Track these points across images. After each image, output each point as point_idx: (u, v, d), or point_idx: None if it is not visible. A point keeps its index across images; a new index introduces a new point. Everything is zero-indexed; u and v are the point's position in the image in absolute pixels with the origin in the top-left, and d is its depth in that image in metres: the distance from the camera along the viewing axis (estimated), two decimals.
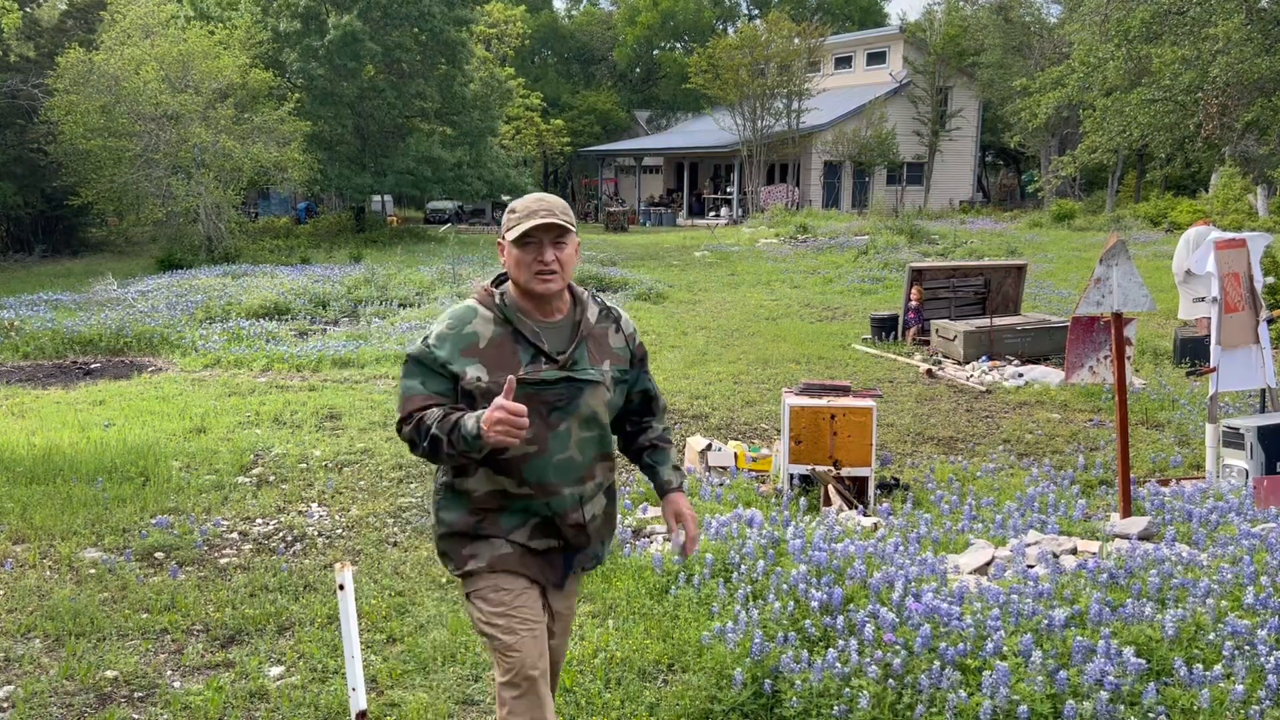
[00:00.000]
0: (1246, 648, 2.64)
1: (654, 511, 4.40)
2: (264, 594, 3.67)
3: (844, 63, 32.58)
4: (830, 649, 2.69)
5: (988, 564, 3.46)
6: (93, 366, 8.51)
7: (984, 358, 8.20)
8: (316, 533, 4.35)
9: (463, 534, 1.99)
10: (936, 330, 8.73)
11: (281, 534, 4.34)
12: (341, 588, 2.05)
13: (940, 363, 8.33)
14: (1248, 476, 4.22)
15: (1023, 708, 2.39)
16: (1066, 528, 3.89)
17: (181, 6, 21.10)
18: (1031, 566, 3.32)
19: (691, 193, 31.86)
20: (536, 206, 1.88)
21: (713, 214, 29.42)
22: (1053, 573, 3.13)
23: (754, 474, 5.00)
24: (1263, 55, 11.27)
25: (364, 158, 22.27)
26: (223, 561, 4.03)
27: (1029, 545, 3.54)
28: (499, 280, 2.00)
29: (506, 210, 1.91)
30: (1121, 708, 2.41)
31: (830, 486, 4.50)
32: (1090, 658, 2.58)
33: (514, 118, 30.14)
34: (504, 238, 1.90)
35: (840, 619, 2.85)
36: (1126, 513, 3.94)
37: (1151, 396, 6.61)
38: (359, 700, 2.06)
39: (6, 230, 19.48)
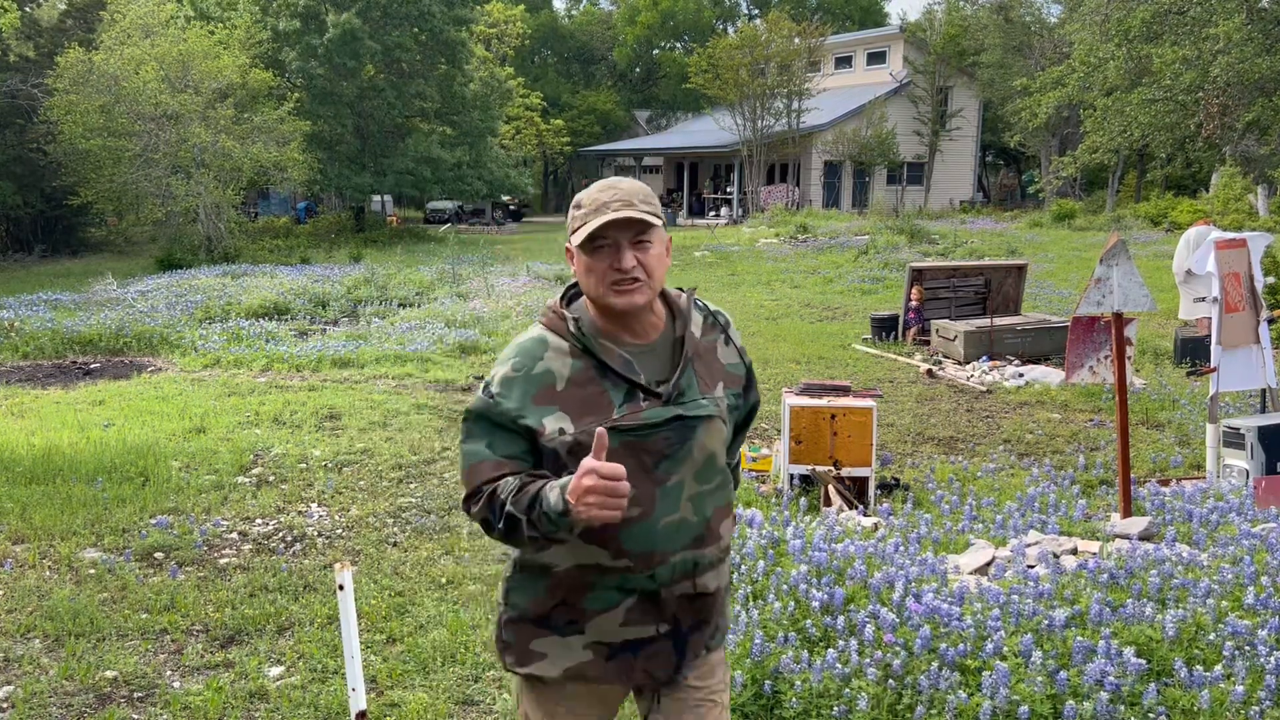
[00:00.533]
0: (1247, 648, 2.63)
1: None
2: (264, 594, 3.67)
3: (844, 62, 32.57)
4: (830, 649, 2.69)
5: (988, 564, 3.45)
6: (92, 366, 8.50)
7: (984, 358, 8.20)
8: (316, 533, 4.35)
9: (534, 621, 1.53)
10: (937, 330, 8.72)
11: (281, 534, 4.34)
12: (341, 588, 2.04)
13: (940, 363, 8.32)
14: (1248, 476, 4.21)
15: (1023, 708, 2.39)
16: (1067, 528, 3.89)
17: (181, 6, 21.10)
18: (1032, 567, 3.31)
19: (691, 193, 31.86)
20: (607, 197, 1.43)
21: (713, 214, 29.42)
22: (1053, 573, 3.12)
23: (754, 474, 4.99)
24: (1263, 55, 11.27)
25: (364, 157, 22.28)
26: (222, 562, 4.03)
27: (1029, 545, 3.54)
28: (571, 296, 1.54)
29: (571, 205, 1.48)
30: (1122, 708, 2.41)
31: (830, 487, 4.50)
32: (1090, 658, 2.57)
33: (514, 117, 30.15)
34: (570, 242, 1.47)
35: (840, 619, 2.84)
36: (1127, 513, 3.94)
37: (1152, 396, 6.61)
38: (359, 700, 2.06)
39: (6, 230, 19.48)
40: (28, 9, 18.36)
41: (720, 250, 18.55)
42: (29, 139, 17.88)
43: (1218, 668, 2.53)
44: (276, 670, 3.11)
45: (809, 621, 2.86)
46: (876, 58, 31.53)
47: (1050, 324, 8.66)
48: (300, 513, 4.60)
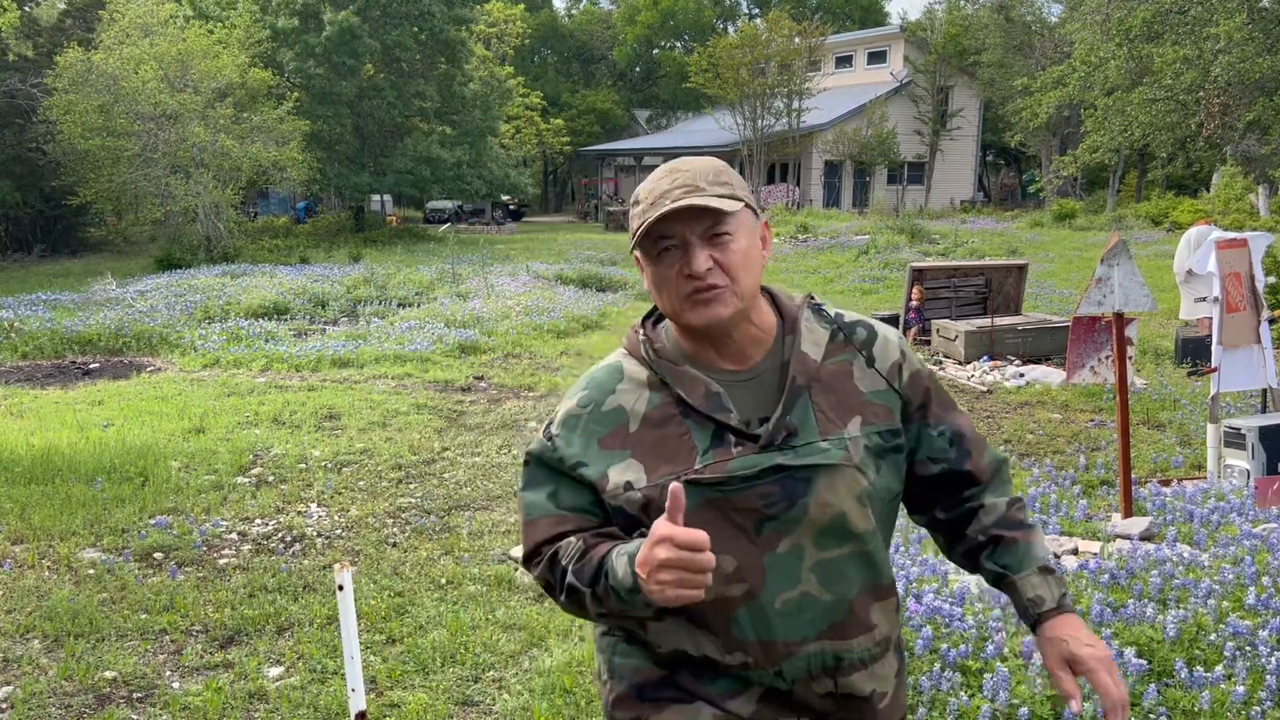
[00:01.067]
0: (1248, 648, 2.63)
1: None
2: (263, 594, 3.66)
3: (844, 62, 32.56)
4: None
5: None
6: (91, 366, 8.50)
7: (985, 357, 8.20)
8: (316, 533, 4.34)
9: (647, 688, 1.20)
10: (937, 330, 8.72)
11: (280, 534, 4.34)
12: (341, 588, 2.04)
13: (941, 363, 8.32)
14: (1249, 477, 4.21)
15: (1023, 710, 2.38)
16: (1068, 528, 3.89)
17: (180, 6, 21.10)
18: None
19: None
20: (667, 184, 1.12)
21: None
22: None
23: None
24: (1264, 55, 11.26)
25: (363, 157, 22.28)
26: (222, 562, 4.02)
27: None
28: (658, 316, 1.24)
29: (630, 201, 1.19)
30: None
31: None
32: None
33: (514, 117, 30.15)
34: (637, 254, 1.17)
35: None
36: (1128, 513, 3.93)
37: (1153, 396, 6.60)
38: (358, 701, 2.06)
39: (5, 230, 19.47)
40: (27, 8, 18.35)
41: None
42: (28, 138, 17.88)
43: (1218, 668, 2.52)
44: (276, 671, 3.11)
45: None
46: (877, 57, 31.53)
47: (1051, 324, 8.66)
48: (300, 513, 4.59)
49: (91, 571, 3.88)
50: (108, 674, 3.09)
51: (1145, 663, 2.54)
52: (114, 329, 9.32)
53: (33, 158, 18.09)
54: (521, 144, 30.91)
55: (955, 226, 20.68)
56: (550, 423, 1.21)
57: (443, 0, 21.96)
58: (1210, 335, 4.52)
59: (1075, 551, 3.53)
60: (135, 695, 2.99)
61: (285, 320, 10.32)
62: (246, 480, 5.07)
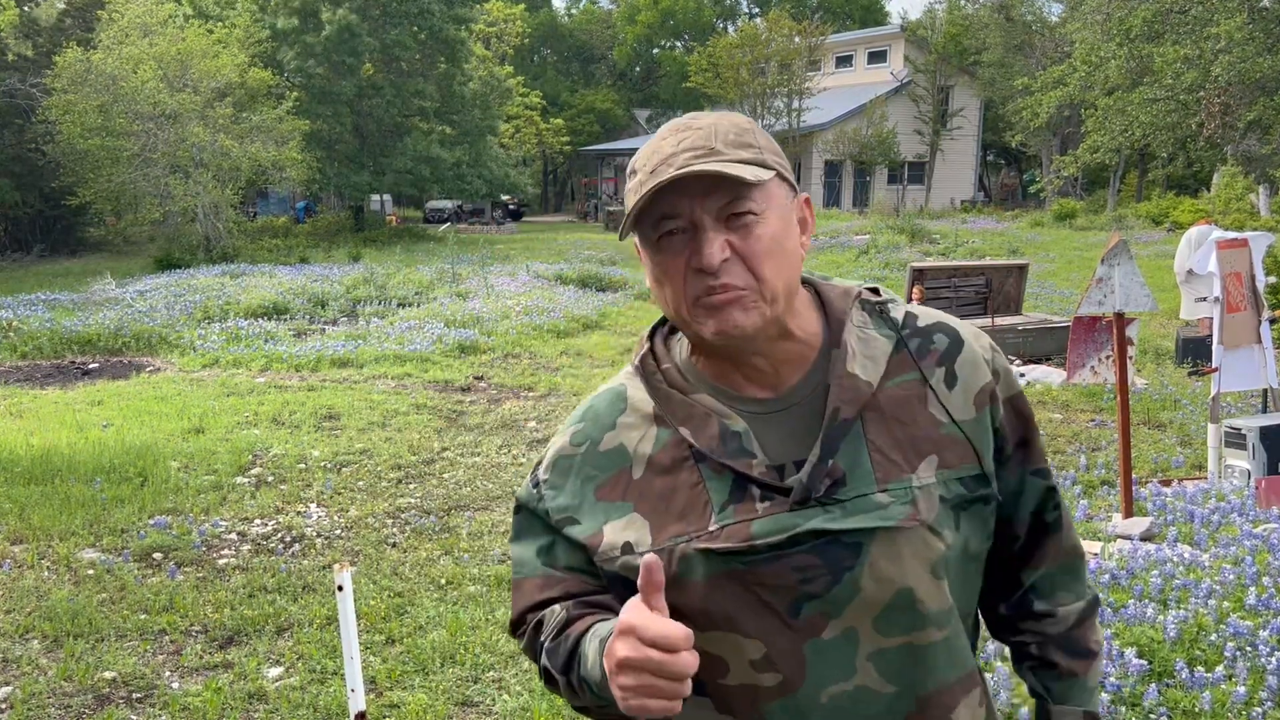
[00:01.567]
0: (1248, 649, 2.63)
1: None
2: (262, 595, 3.66)
3: (845, 61, 32.56)
4: None
5: None
6: (91, 366, 8.49)
7: None
8: (315, 533, 4.34)
9: None
10: None
11: (280, 535, 4.33)
12: (340, 589, 2.04)
13: None
14: (1250, 477, 4.21)
15: (1024, 710, 2.38)
16: None
17: (180, 5, 21.10)
18: None
19: None
20: (672, 145, 0.84)
21: None
22: None
23: None
24: (1265, 54, 11.26)
25: (363, 157, 22.28)
26: (221, 562, 4.02)
27: None
28: (669, 328, 0.97)
29: (627, 171, 0.90)
30: (1123, 709, 2.40)
31: None
32: None
33: (513, 117, 30.14)
34: (633, 237, 0.89)
35: None
36: (1128, 513, 3.93)
37: (1153, 397, 6.60)
38: (358, 701, 2.05)
39: (4, 230, 19.46)
40: (26, 8, 18.35)
41: None
42: (27, 138, 17.87)
43: (1219, 668, 2.52)
44: (275, 671, 3.10)
45: None
46: (877, 57, 31.52)
47: (1051, 324, 8.66)
48: (299, 513, 4.59)
49: (91, 572, 3.88)
50: (107, 674, 3.08)
51: (1146, 663, 2.54)
52: (113, 329, 9.32)
53: (32, 157, 18.09)
54: (521, 144, 30.90)
55: (956, 226, 20.68)
56: (539, 464, 0.96)
57: None
58: (1211, 335, 4.52)
59: None
60: (135, 695, 2.99)
61: (285, 320, 10.31)
62: (246, 480, 5.06)
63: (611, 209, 27.16)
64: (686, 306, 0.85)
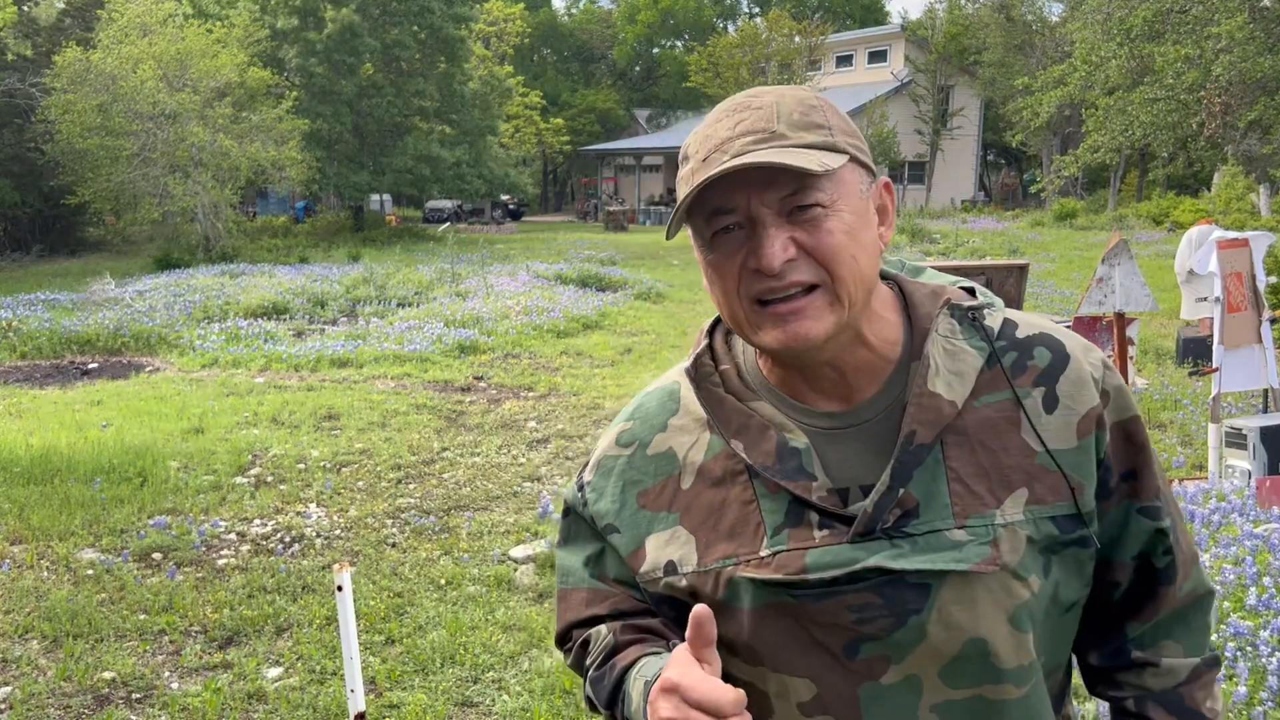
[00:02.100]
0: (1249, 649, 2.63)
1: None
2: (262, 595, 3.65)
3: (845, 61, 32.56)
4: None
5: None
6: (90, 366, 8.49)
7: None
8: (315, 533, 4.34)
9: None
10: None
11: (279, 535, 4.33)
12: (340, 589, 2.03)
13: None
14: (1250, 477, 4.20)
15: None
16: None
17: (180, 5, 21.10)
18: None
19: None
20: (728, 128, 0.75)
21: None
22: None
23: None
24: (1265, 54, 11.25)
25: (362, 156, 22.28)
26: (220, 562, 4.02)
27: None
28: (726, 328, 0.87)
29: (680, 156, 0.80)
30: None
31: None
32: None
33: (513, 116, 30.14)
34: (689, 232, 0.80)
35: None
36: None
37: (1154, 397, 6.59)
38: (357, 702, 2.05)
39: (4, 229, 19.46)
40: (25, 7, 18.34)
41: None
42: (27, 138, 17.87)
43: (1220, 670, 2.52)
44: (275, 671, 3.10)
45: None
46: (877, 56, 31.53)
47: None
48: (299, 513, 4.58)
49: (90, 572, 3.87)
50: (106, 674, 3.08)
51: None
52: (112, 329, 9.32)
53: (31, 157, 18.08)
54: (521, 143, 30.90)
55: (956, 226, 20.68)
56: (585, 467, 0.89)
57: None
58: (1211, 335, 4.52)
59: None
60: (134, 696, 2.99)
61: (284, 320, 10.31)
62: (245, 480, 5.06)
63: (611, 209, 27.15)
64: (744, 310, 0.75)
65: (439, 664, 3.11)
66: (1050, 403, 0.78)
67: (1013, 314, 0.82)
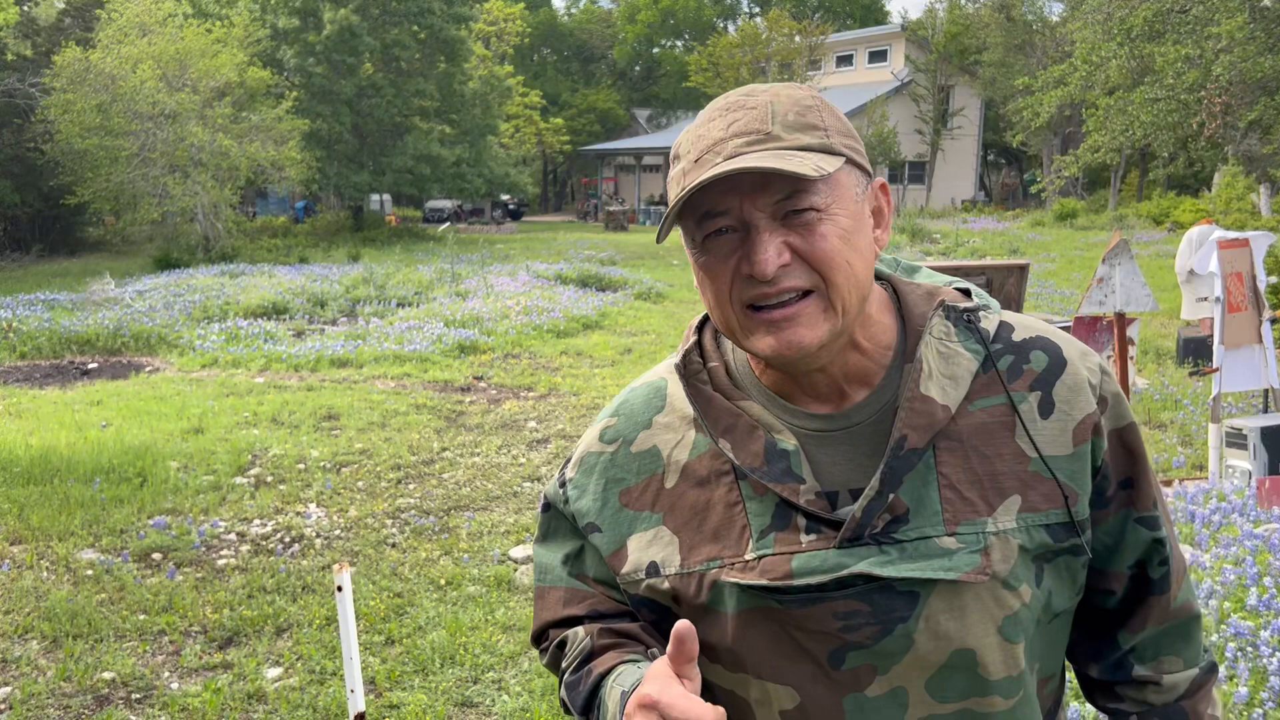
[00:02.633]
0: (1249, 649, 2.62)
1: None
2: (262, 595, 3.65)
3: (845, 61, 32.56)
4: None
5: None
6: (90, 366, 8.49)
7: None
8: (314, 534, 4.33)
9: None
10: None
11: (279, 535, 4.33)
12: (340, 589, 2.03)
13: None
14: (1250, 477, 4.20)
15: None
16: None
17: (180, 4, 21.10)
18: None
19: None
20: (721, 128, 0.73)
21: None
22: None
23: None
24: (1266, 54, 11.25)
25: (362, 156, 22.28)
26: (220, 563, 4.01)
27: None
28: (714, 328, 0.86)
29: (671, 155, 0.78)
30: None
31: None
32: None
33: (513, 116, 30.15)
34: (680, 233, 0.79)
35: None
36: None
37: (1154, 397, 6.59)
38: (357, 702, 2.05)
39: (3, 230, 19.46)
40: (25, 7, 18.35)
41: None
42: (26, 138, 17.87)
43: (1220, 669, 2.52)
44: (275, 672, 3.10)
45: None
46: (878, 56, 31.53)
47: (1052, 324, 8.66)
48: (298, 514, 4.58)
49: (90, 572, 3.87)
50: (106, 675, 3.08)
51: None
52: (112, 329, 9.31)
53: (31, 157, 18.08)
54: (521, 143, 30.90)
55: (956, 226, 20.68)
56: (567, 462, 0.87)
57: None
58: (1212, 335, 4.51)
59: None
60: (134, 696, 2.99)
61: (284, 320, 10.31)
62: (245, 481, 5.06)
63: (611, 208, 27.14)
64: (736, 315, 0.73)
65: (439, 664, 3.11)
66: (1046, 408, 0.76)
67: (1009, 316, 0.81)
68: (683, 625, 0.68)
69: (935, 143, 29.80)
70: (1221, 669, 2.53)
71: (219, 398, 6.96)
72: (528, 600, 3.59)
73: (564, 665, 0.85)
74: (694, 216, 0.74)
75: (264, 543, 4.23)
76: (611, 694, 0.78)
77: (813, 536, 0.74)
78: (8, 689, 3.02)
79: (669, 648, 0.68)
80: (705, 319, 0.85)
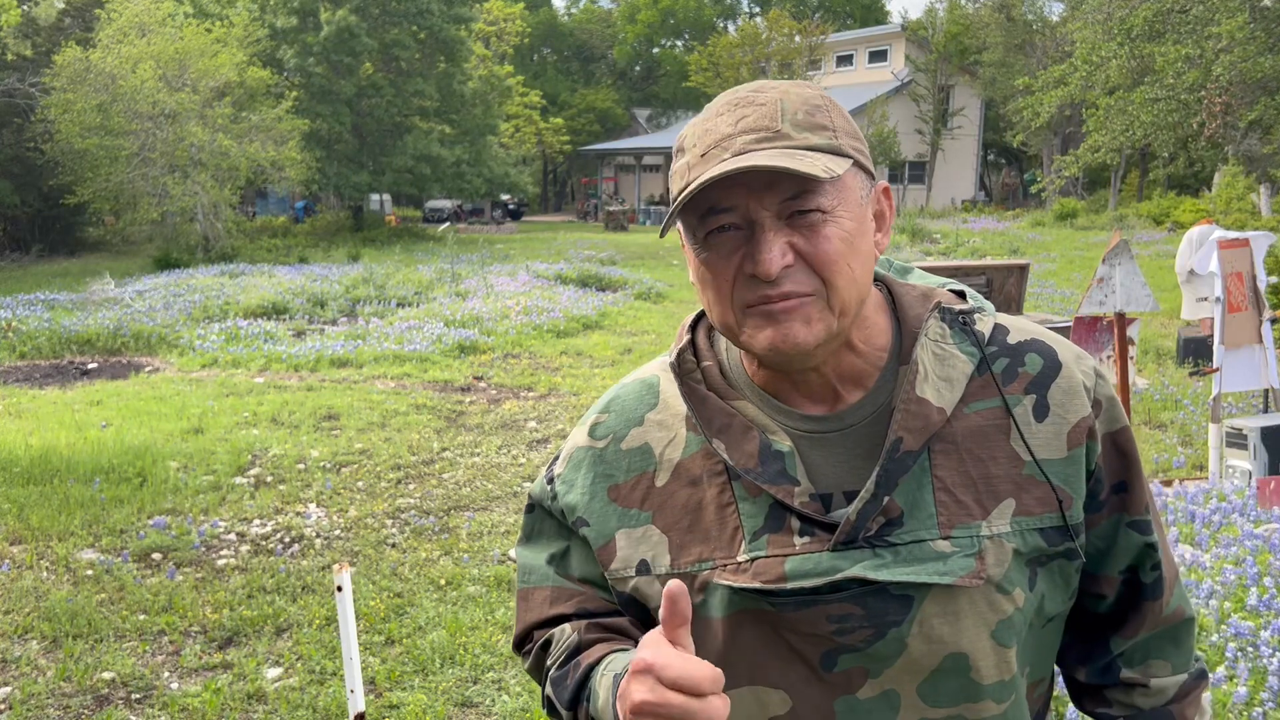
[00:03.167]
0: (1249, 649, 2.62)
1: None
2: (262, 595, 3.65)
3: (845, 61, 32.56)
4: None
5: None
6: (90, 366, 8.49)
7: None
8: (314, 534, 4.33)
9: None
10: None
11: (279, 535, 4.33)
12: (339, 589, 2.03)
13: None
14: (1251, 477, 4.20)
15: None
16: None
17: (180, 4, 21.09)
18: None
19: None
20: (729, 124, 0.72)
21: None
22: None
23: None
24: (1266, 54, 11.25)
25: (362, 156, 22.28)
26: (220, 563, 4.01)
27: None
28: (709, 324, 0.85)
29: (674, 148, 0.77)
30: None
31: None
32: None
33: (513, 116, 30.15)
34: (679, 228, 0.77)
35: None
36: None
37: (1154, 397, 6.59)
38: (357, 702, 2.05)
39: (3, 230, 19.47)
40: (25, 7, 18.34)
41: None
42: (26, 138, 17.87)
43: (1220, 669, 2.52)
44: (275, 672, 3.10)
45: None
46: (878, 56, 31.53)
47: (1053, 324, 8.64)
48: (298, 514, 4.58)
49: (90, 572, 3.87)
50: (106, 675, 3.08)
51: None
52: (112, 329, 9.31)
53: (30, 157, 18.08)
54: (521, 143, 30.90)
55: (956, 226, 20.68)
56: (555, 459, 0.86)
57: None
58: (1212, 335, 4.51)
59: None
60: (134, 696, 2.99)
61: (284, 320, 10.31)
62: (245, 481, 5.05)
63: (611, 208, 27.14)
64: (735, 314, 0.73)
65: (439, 664, 3.11)
66: (1041, 411, 0.76)
67: (1004, 319, 0.80)
68: (675, 585, 0.65)
69: (935, 143, 29.80)
70: (1221, 669, 2.53)
71: (219, 398, 6.96)
72: None
73: (548, 663, 0.83)
74: (697, 212, 0.72)
75: (264, 543, 4.23)
76: (602, 681, 0.76)
77: (806, 539, 0.74)
78: (8, 689, 3.02)
79: (662, 609, 0.66)
80: (698, 317, 0.85)
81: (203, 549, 4.14)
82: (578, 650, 0.81)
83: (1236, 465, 4.33)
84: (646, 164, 34.12)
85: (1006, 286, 9.97)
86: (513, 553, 4.05)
